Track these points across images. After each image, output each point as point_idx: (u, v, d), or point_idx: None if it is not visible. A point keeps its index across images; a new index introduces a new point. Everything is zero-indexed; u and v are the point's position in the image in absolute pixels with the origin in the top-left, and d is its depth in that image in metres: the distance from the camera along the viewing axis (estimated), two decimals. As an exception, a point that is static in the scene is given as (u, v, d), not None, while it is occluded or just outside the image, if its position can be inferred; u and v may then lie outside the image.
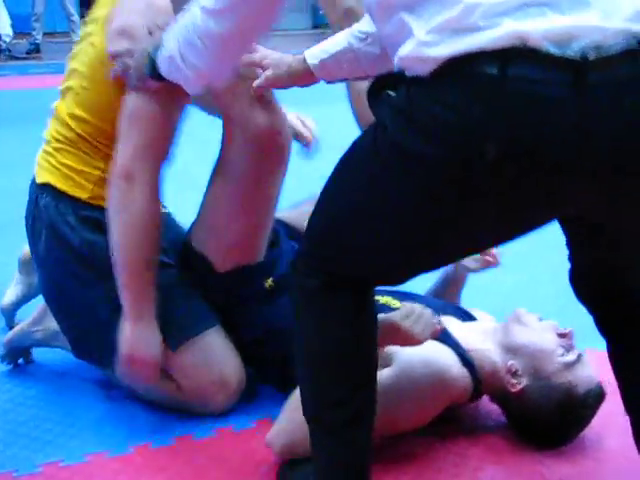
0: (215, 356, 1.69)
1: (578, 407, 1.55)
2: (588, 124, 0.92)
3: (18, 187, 1.92)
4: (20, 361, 1.96)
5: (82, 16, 8.27)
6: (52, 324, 1.86)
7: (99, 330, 1.68)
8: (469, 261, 1.82)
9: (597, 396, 1.56)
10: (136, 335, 1.59)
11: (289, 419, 1.49)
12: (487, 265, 1.82)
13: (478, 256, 1.79)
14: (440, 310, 1.70)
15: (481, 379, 1.60)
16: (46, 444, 1.65)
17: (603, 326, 1.28)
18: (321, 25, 11.48)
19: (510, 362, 1.58)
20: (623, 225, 1.09)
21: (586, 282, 1.25)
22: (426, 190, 1.02)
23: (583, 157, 0.93)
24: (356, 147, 1.14)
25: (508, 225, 1.06)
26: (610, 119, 0.92)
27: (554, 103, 0.91)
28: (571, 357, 1.57)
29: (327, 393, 1.20)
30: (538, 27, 0.90)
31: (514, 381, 1.57)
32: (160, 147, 1.57)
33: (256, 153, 1.64)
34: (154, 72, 1.38)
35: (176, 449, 1.63)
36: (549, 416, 1.55)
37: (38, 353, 2.00)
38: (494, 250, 1.78)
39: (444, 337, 1.59)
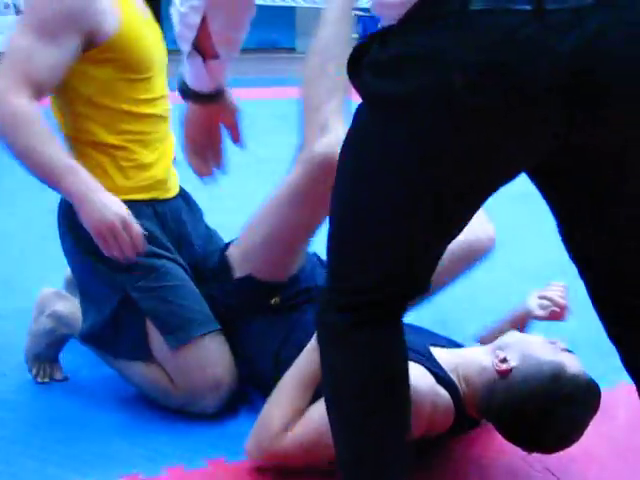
0: (211, 359, 1.78)
1: (569, 384, 1.48)
2: (549, 45, 0.93)
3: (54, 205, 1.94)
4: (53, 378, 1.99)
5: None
6: (57, 306, 1.93)
7: (111, 322, 1.78)
8: (536, 307, 1.77)
9: (589, 384, 1.49)
10: (89, 209, 1.63)
11: (259, 428, 1.57)
12: (554, 318, 1.76)
13: (546, 303, 1.75)
14: (430, 341, 1.71)
15: (464, 393, 1.59)
16: (81, 464, 1.66)
17: (627, 361, 1.24)
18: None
19: (498, 351, 1.58)
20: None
21: (604, 295, 1.22)
22: (412, 132, 1.02)
23: (547, 78, 0.95)
24: (346, 135, 1.13)
25: (498, 161, 1.05)
26: (571, 40, 0.93)
27: (515, 29, 0.93)
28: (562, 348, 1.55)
29: (349, 424, 1.19)
30: None
31: (502, 364, 1.54)
32: (33, 76, 1.64)
33: (305, 173, 1.69)
34: (185, 87, 1.33)
35: (209, 473, 1.64)
36: (538, 396, 1.48)
37: (72, 371, 2.02)
38: (565, 302, 1.74)
39: (420, 358, 1.57)
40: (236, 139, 1.38)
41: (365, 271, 1.12)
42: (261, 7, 1.49)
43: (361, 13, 10.56)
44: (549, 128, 1.00)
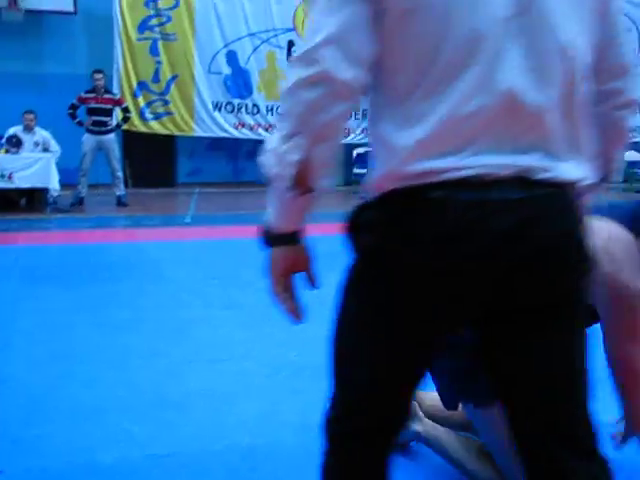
0: None
1: None
2: (490, 225, 1.12)
3: (66, 351, 1.83)
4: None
5: (125, 173, 8.42)
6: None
7: None
8: None
9: None
10: None
11: None
12: None
13: None
14: None
15: None
16: None
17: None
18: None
19: None
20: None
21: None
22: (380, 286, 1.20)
23: (486, 253, 1.13)
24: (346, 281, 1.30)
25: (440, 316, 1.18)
26: (507, 223, 1.12)
27: (463, 212, 1.12)
28: None
29: None
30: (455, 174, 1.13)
31: None
32: None
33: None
34: (269, 233, 1.32)
35: None
36: None
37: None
38: None
39: None
40: (313, 281, 1.39)
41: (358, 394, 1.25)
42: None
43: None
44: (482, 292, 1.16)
